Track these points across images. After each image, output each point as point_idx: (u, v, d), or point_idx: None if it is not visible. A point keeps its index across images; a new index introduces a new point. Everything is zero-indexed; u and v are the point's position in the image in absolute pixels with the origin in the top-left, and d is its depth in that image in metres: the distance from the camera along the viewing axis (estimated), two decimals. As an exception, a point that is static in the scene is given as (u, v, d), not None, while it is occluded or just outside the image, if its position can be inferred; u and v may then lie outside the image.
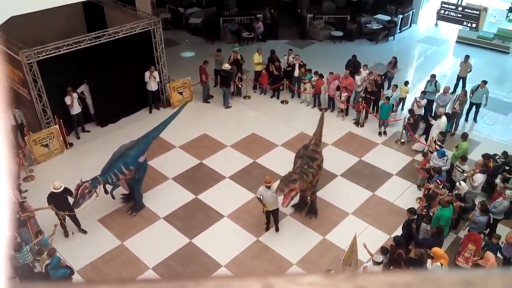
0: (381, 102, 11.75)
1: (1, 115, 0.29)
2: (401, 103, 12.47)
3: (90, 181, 8.12)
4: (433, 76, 12.15)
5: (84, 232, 8.69)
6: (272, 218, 8.61)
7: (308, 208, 9.02)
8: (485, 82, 11.83)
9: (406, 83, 12.49)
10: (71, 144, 11.19)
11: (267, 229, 8.72)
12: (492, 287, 0.38)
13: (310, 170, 8.23)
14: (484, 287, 0.38)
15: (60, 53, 10.32)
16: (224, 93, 12.83)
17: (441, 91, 11.82)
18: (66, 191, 8.26)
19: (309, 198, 8.94)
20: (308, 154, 8.56)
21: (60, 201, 8.21)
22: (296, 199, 8.72)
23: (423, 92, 11.71)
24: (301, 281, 0.39)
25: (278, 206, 8.33)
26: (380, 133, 11.74)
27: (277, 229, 8.70)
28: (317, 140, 9.12)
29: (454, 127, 11.77)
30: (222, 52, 13.62)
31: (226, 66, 12.63)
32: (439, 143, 9.78)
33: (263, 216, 8.66)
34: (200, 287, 0.39)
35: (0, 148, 0.30)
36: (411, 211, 8.24)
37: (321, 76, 12.60)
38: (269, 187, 8.09)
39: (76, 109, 11.06)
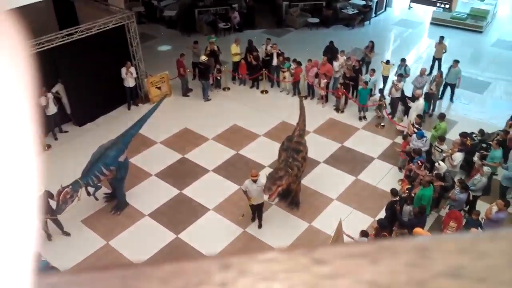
0: (359, 87, 11.85)
1: (28, 106, 0.30)
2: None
3: (71, 186, 7.99)
4: (403, 60, 12.27)
5: (68, 234, 8.57)
6: (256, 213, 8.60)
7: (290, 199, 9.03)
8: (456, 61, 12.01)
9: (388, 62, 12.66)
10: (49, 146, 10.96)
11: (253, 219, 8.75)
12: (445, 249, 0.40)
13: (295, 163, 8.24)
14: (438, 251, 0.39)
15: (31, 52, 10.01)
16: (203, 86, 12.72)
17: (412, 74, 12.00)
18: (47, 194, 8.10)
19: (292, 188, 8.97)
20: (292, 147, 8.55)
21: (41, 204, 8.05)
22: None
23: (400, 75, 11.84)
24: (260, 258, 0.40)
25: (263, 201, 8.33)
26: (360, 118, 11.86)
27: (260, 226, 8.67)
28: (301, 131, 9.10)
29: (431, 108, 11.97)
30: (199, 44, 13.47)
31: (203, 58, 12.50)
32: (417, 126, 9.94)
33: (248, 208, 8.67)
34: (156, 272, 0.39)
35: (30, 139, 0.32)
36: (393, 192, 8.40)
37: (299, 63, 12.60)
38: (255, 181, 8.07)
39: (52, 109, 10.81)
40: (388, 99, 11.72)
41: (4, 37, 0.29)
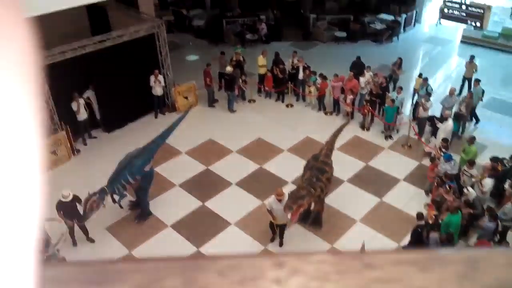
0: (386, 105, 11.69)
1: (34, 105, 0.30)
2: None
3: (98, 194, 8.11)
4: (425, 79, 12.04)
5: (92, 241, 8.70)
6: (278, 231, 8.50)
7: (312, 219, 8.88)
8: (478, 81, 11.75)
9: (420, 75, 12.51)
10: (78, 151, 11.17)
11: (272, 239, 8.66)
12: (495, 262, 0.40)
13: (319, 183, 8.08)
14: (488, 263, 0.40)
15: (65, 58, 10.26)
16: (229, 97, 12.79)
17: (441, 93, 11.77)
18: (75, 198, 8.24)
19: (314, 207, 8.81)
20: (318, 166, 8.40)
21: (68, 209, 8.20)
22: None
23: (428, 94, 11.64)
24: (311, 259, 0.41)
25: (287, 221, 8.25)
26: (386, 137, 11.70)
27: (281, 244, 8.58)
28: (328, 150, 8.93)
29: (461, 129, 11.71)
30: (226, 55, 13.56)
31: (229, 69, 12.57)
32: (443, 150, 9.73)
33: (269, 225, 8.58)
34: (215, 264, 0.41)
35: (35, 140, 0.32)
36: (418, 216, 8.21)
37: (325, 78, 12.54)
38: (280, 200, 7.92)
39: (82, 115, 11.03)
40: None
41: (15, 43, 0.29)
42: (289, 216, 7.85)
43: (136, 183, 8.75)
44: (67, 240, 8.34)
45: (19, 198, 0.30)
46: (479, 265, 0.40)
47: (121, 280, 0.40)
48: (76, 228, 8.49)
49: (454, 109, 11.57)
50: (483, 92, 11.93)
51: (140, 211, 9.23)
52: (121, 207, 8.89)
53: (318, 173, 8.26)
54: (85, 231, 8.60)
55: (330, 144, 9.16)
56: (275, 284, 0.40)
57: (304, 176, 8.51)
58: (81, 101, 10.93)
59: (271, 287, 0.39)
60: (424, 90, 11.81)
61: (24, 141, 0.29)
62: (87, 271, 0.41)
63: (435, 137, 10.88)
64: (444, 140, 9.98)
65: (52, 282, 0.38)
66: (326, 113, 12.84)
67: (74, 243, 8.60)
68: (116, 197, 8.66)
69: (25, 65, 0.29)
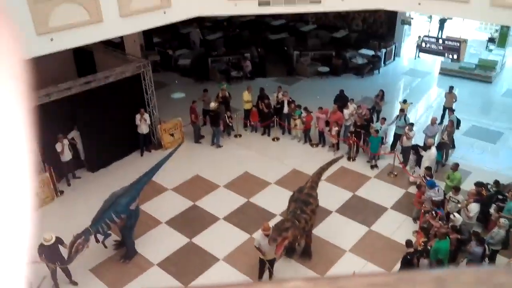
0: (371, 135, 11.88)
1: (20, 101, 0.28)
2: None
3: (82, 236, 7.93)
4: (402, 110, 12.35)
5: (75, 283, 8.41)
6: (267, 267, 8.24)
7: (302, 250, 8.80)
8: (452, 110, 12.22)
9: (405, 101, 13.13)
10: (61, 192, 11.02)
11: (260, 277, 8.39)
12: (463, 281, 0.40)
13: (303, 215, 8.02)
14: (456, 282, 0.40)
15: (50, 99, 10.33)
16: (214, 132, 12.88)
17: (424, 123, 12.04)
18: (58, 241, 8.03)
19: (302, 242, 8.72)
20: (302, 198, 8.39)
21: (50, 252, 7.96)
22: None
23: (411, 124, 11.88)
24: (285, 285, 0.41)
25: (275, 256, 8.08)
26: (372, 167, 11.80)
27: (270, 277, 8.33)
28: (314, 183, 8.93)
29: (444, 157, 11.89)
30: (210, 91, 13.79)
31: (212, 105, 12.75)
32: (427, 177, 9.82)
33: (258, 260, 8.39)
34: None
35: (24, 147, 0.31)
36: (408, 243, 8.16)
37: (310, 112, 12.76)
38: (267, 235, 7.76)
39: (67, 156, 10.96)
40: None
41: (9, 85, 0.28)
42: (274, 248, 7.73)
43: (121, 222, 8.60)
44: (49, 284, 8.05)
45: (10, 233, 0.30)
46: (447, 285, 0.40)
47: None
48: (59, 271, 8.23)
49: (437, 138, 11.80)
50: (458, 120, 12.24)
51: (126, 251, 9.02)
52: (105, 246, 8.69)
53: (303, 205, 8.22)
54: (67, 273, 8.33)
55: (316, 176, 9.18)
56: None
57: (289, 208, 8.47)
58: (66, 142, 10.90)
59: None
60: (402, 121, 12.05)
61: (18, 165, 0.30)
62: None
63: (419, 166, 11.01)
64: (428, 168, 10.10)
65: None
66: (312, 145, 12.98)
67: (57, 287, 8.30)
68: (100, 237, 8.48)
69: (16, 105, 0.29)
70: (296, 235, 8.02)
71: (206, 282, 8.34)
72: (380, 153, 11.82)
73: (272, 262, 8.20)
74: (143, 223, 9.57)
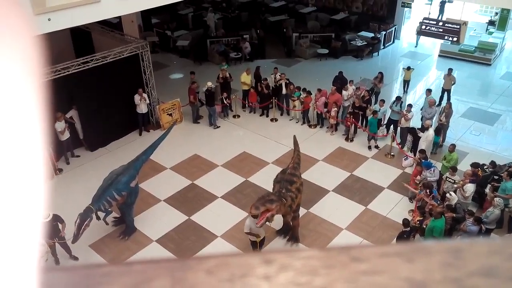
0: (369, 117, 11.90)
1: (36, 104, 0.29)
2: (407, 85, 14.41)
3: (89, 216, 8.04)
4: (398, 98, 12.29)
5: (76, 258, 8.53)
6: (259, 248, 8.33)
7: (289, 235, 8.82)
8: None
9: (408, 68, 14.17)
10: (60, 170, 11.08)
11: None
12: (478, 251, 0.41)
13: (289, 193, 8.00)
14: (471, 252, 0.41)
15: (48, 79, 10.30)
16: (209, 113, 12.87)
17: (421, 105, 12.09)
18: (56, 218, 8.12)
19: (291, 223, 8.74)
20: (286, 178, 8.36)
21: (49, 229, 8.07)
22: (280, 224, 8.68)
23: (409, 105, 11.90)
24: (299, 255, 0.41)
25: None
26: (369, 147, 11.85)
27: None
28: (295, 164, 8.91)
29: (442, 139, 11.94)
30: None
31: (209, 84, 12.69)
32: (422, 160, 9.88)
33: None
34: (203, 264, 0.41)
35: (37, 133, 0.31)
36: (404, 222, 8.28)
37: (309, 93, 12.76)
38: (255, 216, 7.63)
39: (65, 135, 10.98)
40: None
41: (24, 61, 0.28)
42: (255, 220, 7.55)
43: (122, 199, 8.68)
44: (49, 259, 8.17)
45: (23, 201, 0.30)
46: (462, 254, 0.41)
47: (108, 283, 0.40)
48: (58, 247, 8.34)
49: (434, 119, 11.83)
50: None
51: (125, 228, 9.13)
52: (106, 223, 8.79)
53: (287, 184, 8.19)
54: (67, 249, 8.44)
55: (296, 157, 9.11)
56: (264, 280, 0.40)
57: (273, 190, 8.39)
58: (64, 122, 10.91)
59: (260, 283, 0.39)
60: (398, 107, 12.01)
61: (29, 139, 0.29)
62: (74, 276, 0.40)
63: (417, 147, 11.05)
64: (421, 151, 10.14)
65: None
66: (310, 126, 13.01)
67: (57, 262, 8.42)
68: (101, 215, 8.57)
69: (29, 64, 0.29)
70: (283, 213, 8.03)
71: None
72: (378, 135, 11.86)
73: (262, 243, 8.26)
74: (142, 201, 9.65)
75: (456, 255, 0.41)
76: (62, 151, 11.28)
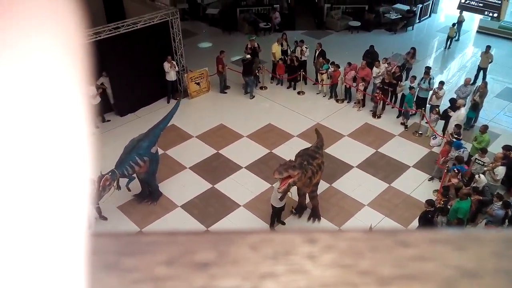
0: (407, 92, 11.57)
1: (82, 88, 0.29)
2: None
3: (109, 174, 8.30)
4: (427, 73, 11.80)
5: (105, 219, 8.93)
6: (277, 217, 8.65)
7: (310, 213, 8.94)
8: (442, 83, 11.49)
9: (454, 24, 14.47)
10: (90, 133, 11.41)
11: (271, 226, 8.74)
12: None
13: (310, 167, 8.07)
14: None
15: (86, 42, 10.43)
16: (247, 83, 12.85)
17: (456, 83, 11.63)
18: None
19: (308, 201, 8.81)
20: (308, 153, 8.45)
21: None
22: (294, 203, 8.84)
23: (441, 83, 11.52)
24: (344, 236, 0.41)
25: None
26: (403, 124, 11.58)
27: (283, 223, 8.79)
28: (318, 144, 8.97)
29: (474, 118, 11.57)
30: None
31: (248, 56, 12.70)
32: (456, 136, 9.66)
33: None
34: (246, 238, 0.41)
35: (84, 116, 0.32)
36: (429, 203, 8.19)
37: (337, 66, 12.52)
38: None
39: (96, 99, 11.25)
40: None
41: (61, 24, 0.27)
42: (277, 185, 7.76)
43: (144, 165, 8.86)
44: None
45: (70, 160, 0.28)
46: None
47: (153, 251, 0.40)
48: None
49: (468, 99, 11.45)
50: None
51: (151, 193, 9.41)
52: (129, 190, 9.04)
53: (309, 158, 8.26)
54: (98, 209, 8.83)
55: (320, 141, 9.11)
56: (309, 259, 0.39)
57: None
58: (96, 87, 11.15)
59: (305, 262, 0.39)
60: (426, 83, 11.62)
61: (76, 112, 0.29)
62: (119, 242, 0.40)
63: (447, 127, 10.76)
64: (457, 126, 9.89)
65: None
66: (337, 101, 12.85)
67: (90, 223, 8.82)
68: (124, 181, 8.82)
69: (71, 43, 0.28)
70: (301, 185, 8.14)
71: (227, 225, 8.73)
72: (412, 110, 11.53)
73: (280, 210, 8.50)
74: (168, 167, 9.90)
75: (509, 245, 0.40)
76: (92, 115, 11.55)
